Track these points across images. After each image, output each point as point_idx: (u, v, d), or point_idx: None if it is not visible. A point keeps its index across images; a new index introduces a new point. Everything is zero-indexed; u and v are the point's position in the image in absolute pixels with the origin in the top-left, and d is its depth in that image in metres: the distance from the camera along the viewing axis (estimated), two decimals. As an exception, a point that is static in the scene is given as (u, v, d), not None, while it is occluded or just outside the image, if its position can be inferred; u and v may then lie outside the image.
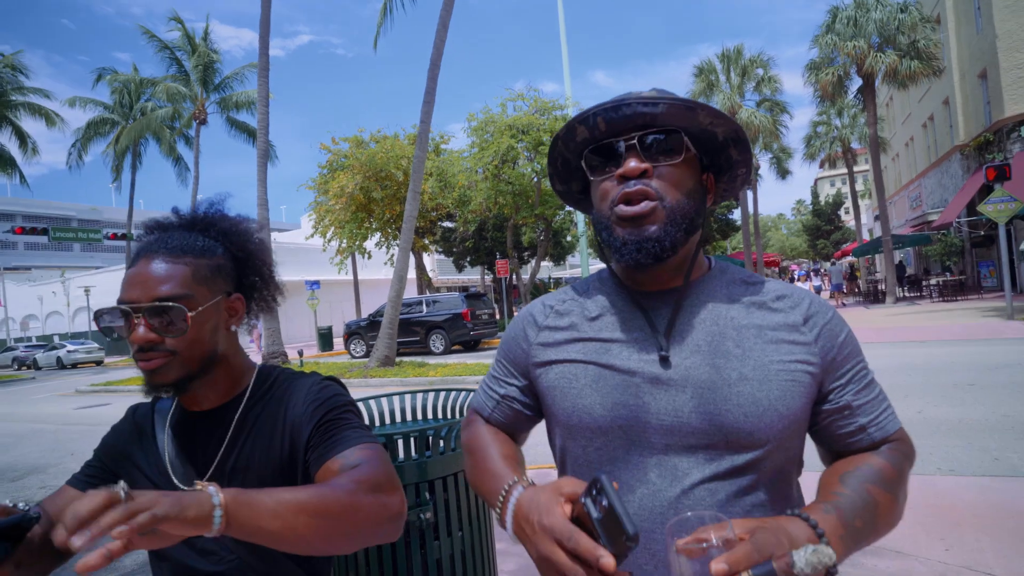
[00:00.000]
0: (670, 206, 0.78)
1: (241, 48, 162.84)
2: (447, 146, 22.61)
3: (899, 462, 0.79)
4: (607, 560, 0.56)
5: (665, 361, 0.78)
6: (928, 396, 6.33)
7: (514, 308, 27.44)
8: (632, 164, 0.78)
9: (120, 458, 1.00)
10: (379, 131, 20.66)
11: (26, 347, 31.44)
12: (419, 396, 2.59)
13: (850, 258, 28.65)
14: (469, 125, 19.22)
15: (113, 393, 14.59)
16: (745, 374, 0.76)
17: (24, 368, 29.30)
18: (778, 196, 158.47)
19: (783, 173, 30.97)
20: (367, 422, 2.17)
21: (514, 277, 25.76)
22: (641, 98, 0.77)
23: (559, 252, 30.83)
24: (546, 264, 34.79)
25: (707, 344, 0.78)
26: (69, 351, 27.33)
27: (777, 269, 33.14)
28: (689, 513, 0.60)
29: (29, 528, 0.77)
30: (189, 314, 0.89)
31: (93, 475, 1.00)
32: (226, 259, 0.99)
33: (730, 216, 31.32)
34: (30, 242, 52.90)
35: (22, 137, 24.81)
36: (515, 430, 0.96)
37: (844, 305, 18.94)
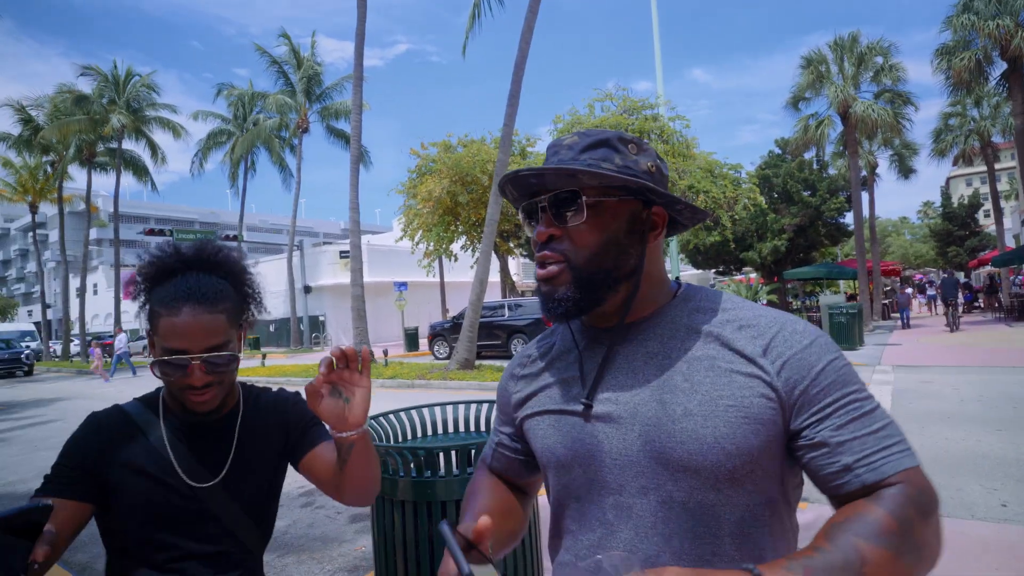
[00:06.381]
0: (577, 267, 0.80)
1: (344, 60, 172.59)
2: (533, 149, 22.38)
3: (902, 510, 0.66)
4: None
5: (588, 404, 0.81)
6: (1099, 442, 5.14)
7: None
8: (540, 229, 0.81)
9: (103, 462, 1.08)
10: (466, 135, 20.85)
11: (155, 337, 34.86)
12: (472, 407, 2.52)
13: (989, 268, 25.23)
14: (555, 127, 18.89)
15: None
16: (690, 409, 0.74)
17: (152, 356, 32.51)
18: (901, 197, 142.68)
19: (906, 172, 27.84)
20: (415, 432, 2.45)
21: (600, 282, 25.00)
22: (531, 168, 0.80)
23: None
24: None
25: (656, 378, 0.78)
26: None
27: (898, 279, 29.90)
28: (600, 556, 0.60)
29: (44, 519, 0.77)
30: (237, 361, 1.10)
31: (75, 480, 1.07)
32: (236, 296, 1.15)
33: (841, 220, 28.61)
34: (160, 242, 58.98)
35: (154, 148, 27.63)
36: (515, 477, 1.00)
37: (954, 320, 16.37)
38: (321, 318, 29.96)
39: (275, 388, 1.30)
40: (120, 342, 19.46)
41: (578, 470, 0.81)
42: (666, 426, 0.74)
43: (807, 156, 27.00)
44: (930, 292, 27.89)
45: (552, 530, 0.88)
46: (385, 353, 16.46)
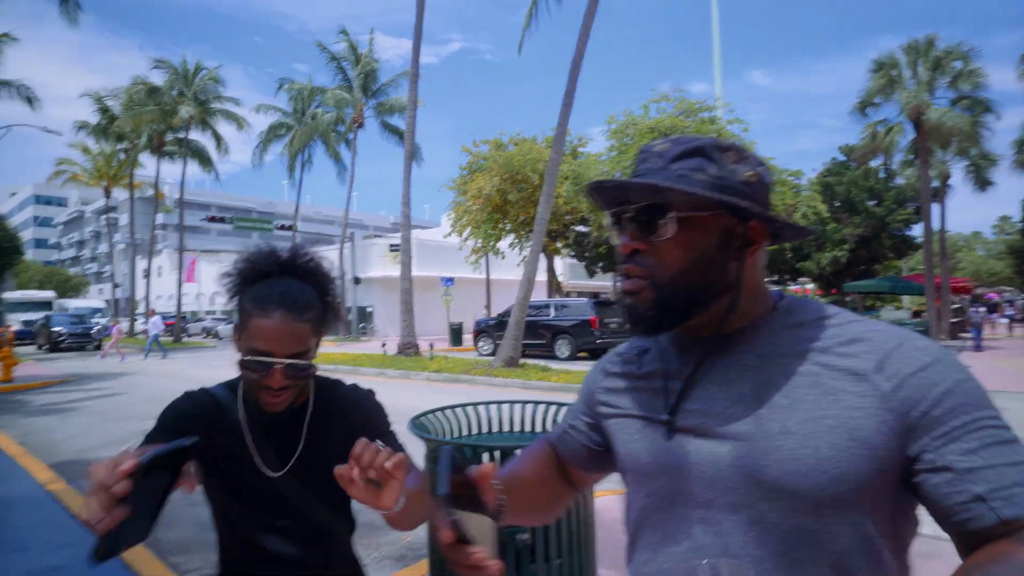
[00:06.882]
0: (661, 284, 0.77)
1: (399, 56, 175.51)
2: (584, 149, 22.22)
3: None
4: (440, 534, 0.67)
5: (673, 415, 0.79)
6: None
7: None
8: (623, 241, 0.79)
9: (204, 434, 1.13)
10: (518, 134, 20.90)
11: (213, 319, 36.55)
12: (528, 407, 2.51)
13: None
14: (608, 128, 18.68)
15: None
16: (788, 427, 0.69)
17: (209, 337, 34.05)
18: (974, 211, 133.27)
19: (983, 184, 26.17)
20: (472, 428, 2.47)
21: (647, 286, 24.58)
22: (614, 180, 0.78)
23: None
24: (683, 274, 32.81)
25: (752, 394, 0.73)
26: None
27: (969, 296, 28.16)
28: (704, 561, 0.59)
29: (186, 456, 0.82)
30: (314, 369, 1.16)
31: (178, 434, 1.11)
32: (320, 305, 1.17)
33: (908, 232, 27.18)
34: (220, 229, 61.58)
35: (218, 139, 28.86)
36: (573, 462, 0.99)
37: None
38: (369, 309, 30.62)
39: (348, 382, 1.29)
40: (155, 325, 20.06)
41: (663, 480, 0.78)
42: (760, 443, 0.70)
43: (873, 164, 25.78)
44: (1008, 312, 26.19)
45: (631, 540, 0.85)
46: (431, 346, 16.66)
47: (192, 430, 1.12)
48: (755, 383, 0.74)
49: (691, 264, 0.76)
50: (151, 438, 1.13)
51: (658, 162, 0.78)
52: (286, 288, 1.13)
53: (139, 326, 31.66)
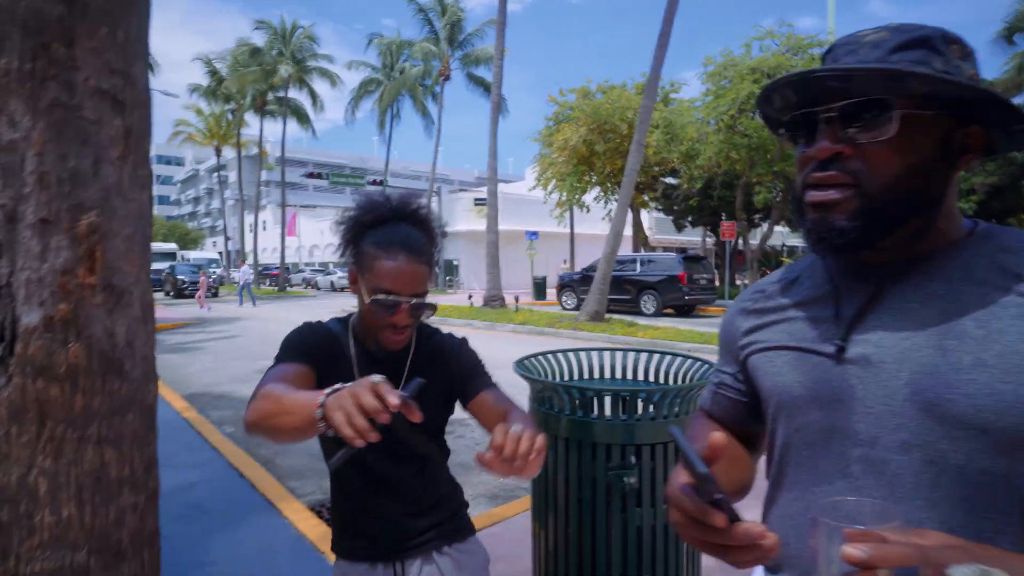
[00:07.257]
0: (871, 193, 0.67)
1: (483, 5, 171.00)
2: (677, 95, 21.03)
3: None
4: (713, 519, 0.57)
5: (842, 346, 0.71)
6: None
7: (737, 276, 25.08)
8: (822, 144, 0.68)
9: (323, 360, 1.22)
10: (606, 81, 20.07)
11: (312, 271, 39.01)
12: (631, 355, 2.51)
13: None
14: (704, 71, 17.47)
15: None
16: (984, 359, 0.62)
17: (309, 287, 36.46)
18: None
19: None
20: (576, 374, 2.50)
21: (740, 241, 23.41)
22: (832, 69, 0.66)
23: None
24: (780, 229, 30.86)
25: (937, 322, 0.66)
26: (339, 277, 33.17)
27: None
28: (851, 498, 0.55)
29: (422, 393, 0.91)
30: (435, 308, 1.22)
31: (302, 353, 1.20)
32: (432, 250, 1.24)
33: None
34: (316, 185, 64.64)
35: (314, 96, 30.00)
36: (735, 423, 0.92)
37: None
38: (455, 262, 31.40)
39: (445, 331, 1.38)
40: (244, 274, 21.61)
41: (816, 413, 0.72)
42: (946, 375, 0.63)
43: (1017, 101, 22.50)
44: None
45: (774, 481, 0.80)
46: (516, 299, 16.90)
47: (313, 356, 1.22)
48: (941, 312, 0.66)
49: (906, 172, 0.67)
50: (280, 358, 1.21)
51: (874, 52, 0.67)
52: (406, 232, 1.19)
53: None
